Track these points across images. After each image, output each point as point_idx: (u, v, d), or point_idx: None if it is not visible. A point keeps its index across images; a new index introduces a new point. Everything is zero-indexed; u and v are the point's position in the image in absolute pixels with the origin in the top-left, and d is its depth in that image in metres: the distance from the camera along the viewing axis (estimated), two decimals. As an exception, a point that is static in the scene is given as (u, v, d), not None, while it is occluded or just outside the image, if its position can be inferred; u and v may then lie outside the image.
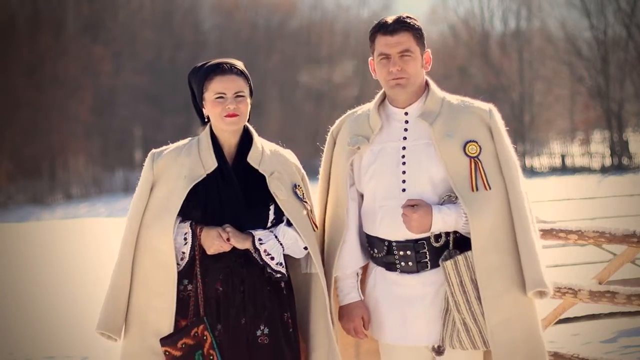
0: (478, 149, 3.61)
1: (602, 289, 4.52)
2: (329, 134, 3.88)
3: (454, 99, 3.75)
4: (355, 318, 3.74)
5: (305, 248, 3.67)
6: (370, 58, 3.75)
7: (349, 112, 3.88)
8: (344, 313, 3.77)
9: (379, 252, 3.70)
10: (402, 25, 3.63)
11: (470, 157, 3.59)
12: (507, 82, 49.90)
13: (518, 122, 48.82)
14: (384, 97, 3.77)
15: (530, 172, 45.38)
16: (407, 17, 3.68)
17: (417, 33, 3.66)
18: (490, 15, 52.78)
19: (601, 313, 7.02)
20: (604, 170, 43.84)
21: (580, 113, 50.08)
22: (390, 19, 3.67)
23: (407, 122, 3.70)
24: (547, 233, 4.72)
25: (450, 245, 3.60)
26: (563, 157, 47.70)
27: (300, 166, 3.83)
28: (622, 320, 7.77)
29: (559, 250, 11.06)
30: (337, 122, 3.88)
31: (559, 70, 49.51)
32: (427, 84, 3.75)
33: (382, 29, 3.65)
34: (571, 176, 41.18)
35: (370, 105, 3.80)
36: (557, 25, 50.23)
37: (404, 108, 3.71)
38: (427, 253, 3.61)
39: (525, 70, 50.12)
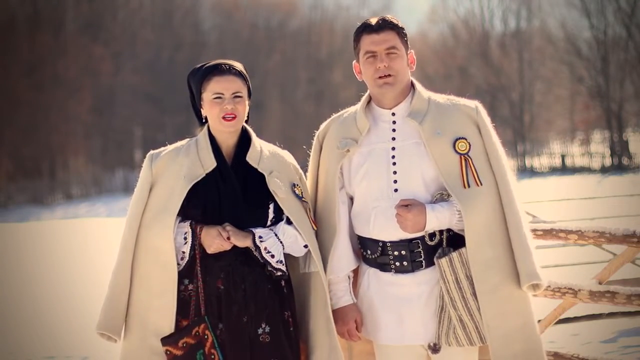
0: (468, 146, 3.63)
1: (602, 289, 4.51)
2: (315, 138, 3.89)
3: (440, 97, 3.77)
4: (349, 321, 3.75)
5: (306, 246, 3.68)
6: (354, 61, 3.76)
7: (334, 115, 3.90)
8: (337, 316, 3.77)
9: (373, 253, 3.70)
10: (387, 23, 3.66)
11: (460, 154, 3.62)
12: (507, 82, 49.92)
13: (518, 122, 48.88)
14: (370, 99, 3.79)
15: (530, 172, 45.39)
16: (391, 17, 3.71)
17: (401, 32, 3.69)
18: (490, 15, 52.82)
19: (601, 313, 7.02)
20: (604, 170, 43.87)
21: (580, 113, 50.10)
22: (373, 20, 3.70)
23: (394, 122, 3.71)
24: (547, 233, 4.72)
25: (444, 243, 3.62)
26: (563, 157, 47.73)
27: (297, 166, 3.84)
28: (622, 320, 7.77)
29: (559, 250, 11.05)
30: (323, 126, 3.89)
31: (559, 70, 49.54)
32: (412, 84, 3.77)
33: (367, 28, 3.68)
34: (571, 176, 41.21)
35: (355, 108, 3.81)
36: (557, 25, 50.30)
37: (390, 109, 3.72)
38: (422, 252, 3.63)
39: (525, 70, 50.15)
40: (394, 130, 3.70)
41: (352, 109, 3.84)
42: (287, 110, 51.96)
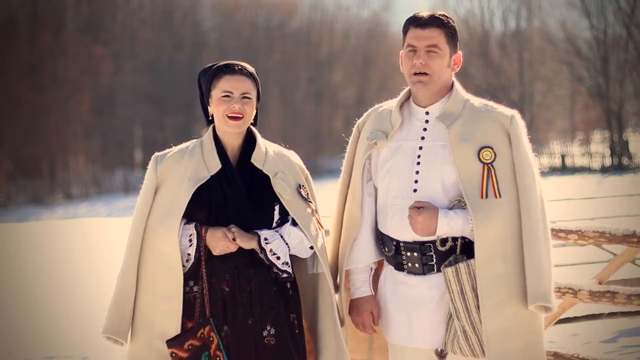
0: (493, 156, 3.55)
1: (602, 289, 4.51)
2: (355, 127, 3.84)
3: (478, 102, 3.69)
4: (363, 313, 3.72)
5: (311, 248, 3.66)
6: (401, 51, 3.68)
7: (376, 105, 3.84)
8: (353, 307, 3.75)
9: (389, 250, 3.68)
10: (434, 20, 3.59)
11: (484, 163, 3.54)
12: (507, 82, 49.91)
13: (518, 122, 48.84)
14: (409, 95, 3.73)
15: (530, 172, 45.31)
16: (443, 14, 3.63)
17: (449, 31, 3.61)
18: (490, 15, 52.82)
19: (601, 313, 7.02)
20: (604, 170, 43.87)
21: (580, 113, 50.12)
22: (425, 13, 3.63)
23: (427, 121, 3.66)
24: (547, 233, 4.71)
25: (458, 250, 3.56)
26: (563, 157, 47.72)
27: (303, 166, 3.82)
28: (622, 320, 7.77)
29: (559, 250, 11.03)
30: (364, 115, 3.83)
31: (559, 70, 49.54)
32: (452, 84, 3.70)
33: (415, 21, 3.61)
34: (571, 176, 41.19)
35: (395, 101, 3.76)
36: (557, 25, 50.29)
37: (425, 107, 3.66)
38: (434, 256, 3.58)
39: (525, 70, 50.15)
40: (424, 129, 3.65)
41: (392, 102, 3.78)
42: (287, 110, 51.94)
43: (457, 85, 3.69)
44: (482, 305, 3.48)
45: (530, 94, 50.29)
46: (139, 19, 52.79)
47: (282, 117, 51.23)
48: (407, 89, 3.73)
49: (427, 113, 3.66)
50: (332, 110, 51.72)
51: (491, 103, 3.71)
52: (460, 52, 3.68)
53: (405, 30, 3.64)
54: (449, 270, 3.51)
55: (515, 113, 3.66)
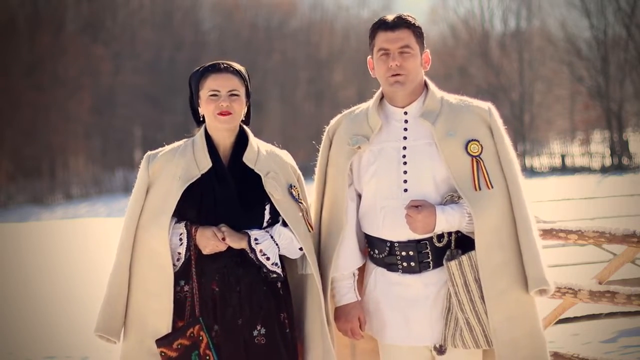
0: (480, 148, 3.61)
1: (602, 289, 4.52)
2: (325, 133, 3.85)
3: (452, 98, 3.75)
4: (352, 319, 3.73)
5: (301, 249, 3.66)
6: (369, 57, 3.74)
7: (345, 112, 3.87)
8: (340, 314, 3.76)
9: (380, 252, 3.68)
10: (402, 22, 3.64)
11: (472, 157, 3.59)
12: (507, 82, 49.94)
13: (518, 122, 48.89)
14: (382, 97, 3.76)
15: (530, 172, 45.40)
16: (407, 15, 3.68)
17: (417, 31, 3.66)
18: (490, 15, 52.85)
19: (601, 313, 7.01)
20: (604, 170, 43.89)
21: (580, 113, 50.15)
22: (390, 17, 3.68)
23: (406, 121, 3.69)
24: (547, 233, 4.71)
25: (452, 244, 3.60)
26: (563, 157, 47.76)
27: (296, 167, 3.82)
28: (622, 320, 7.77)
29: (559, 250, 11.05)
30: (333, 122, 3.86)
31: (559, 70, 49.57)
32: (425, 83, 3.75)
33: (383, 25, 3.66)
34: (571, 176, 41.22)
35: (367, 105, 3.78)
36: (557, 25, 50.34)
37: (403, 107, 3.70)
38: (430, 253, 3.60)
39: (525, 70, 50.17)
40: (405, 129, 3.67)
41: (363, 105, 3.81)
42: (287, 110, 51.96)
43: (431, 84, 3.75)
44: (486, 295, 3.52)
45: (530, 94, 50.31)
46: (139, 19, 52.81)
47: (282, 117, 51.26)
48: (379, 91, 3.76)
49: (405, 113, 3.69)
50: (332, 110, 51.56)
51: (465, 97, 3.77)
52: (427, 50, 3.73)
53: (373, 36, 3.69)
54: (453, 264, 3.54)
55: (490, 105, 3.74)
